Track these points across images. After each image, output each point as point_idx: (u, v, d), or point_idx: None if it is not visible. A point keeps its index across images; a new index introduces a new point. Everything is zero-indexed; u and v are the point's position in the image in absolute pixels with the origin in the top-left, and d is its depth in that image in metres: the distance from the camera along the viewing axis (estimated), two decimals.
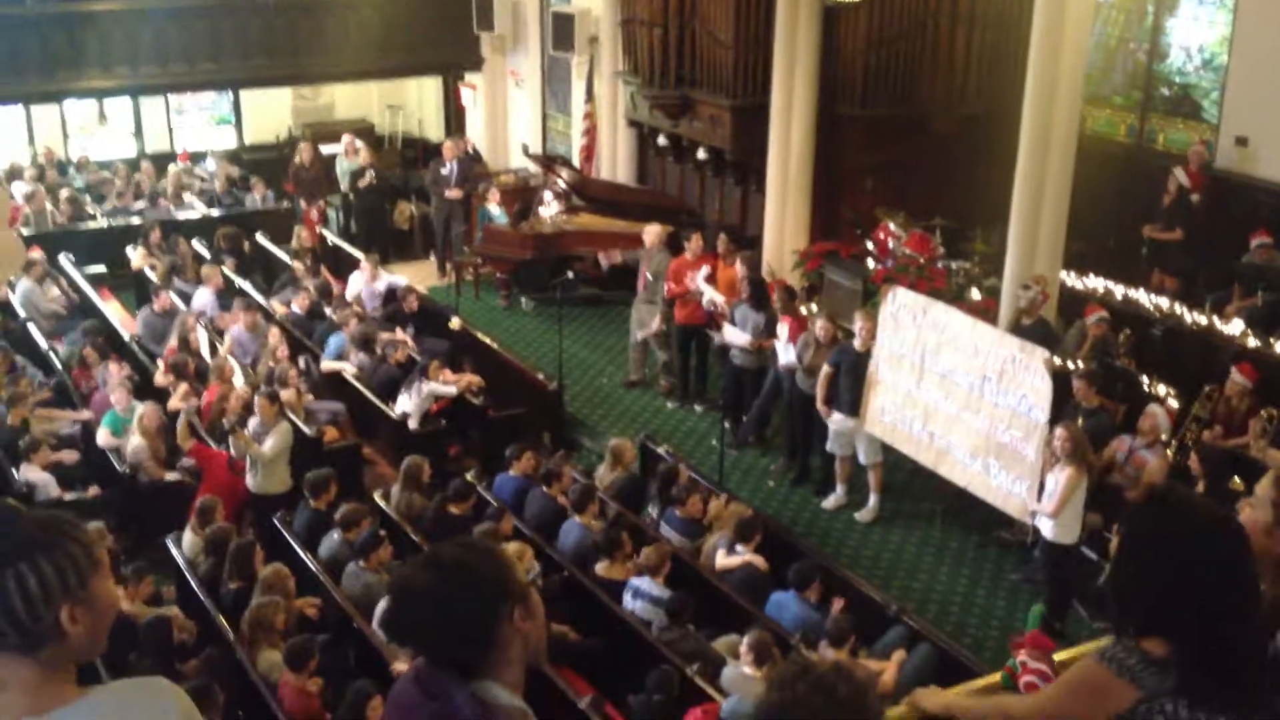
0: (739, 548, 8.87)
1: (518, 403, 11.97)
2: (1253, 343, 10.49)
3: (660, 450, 10.67)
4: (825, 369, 10.49)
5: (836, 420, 10.53)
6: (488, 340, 13.18)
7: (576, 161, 17.38)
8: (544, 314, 14.99)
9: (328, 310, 13.37)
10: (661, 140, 15.85)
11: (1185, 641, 2.71)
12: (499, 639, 2.40)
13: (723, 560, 8.88)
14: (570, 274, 13.85)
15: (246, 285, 14.32)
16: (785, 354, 11.06)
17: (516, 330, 14.97)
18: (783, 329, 11.11)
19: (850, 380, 10.36)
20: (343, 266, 15.40)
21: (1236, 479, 9.33)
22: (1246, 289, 11.27)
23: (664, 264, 12.73)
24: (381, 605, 7.78)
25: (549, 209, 15.60)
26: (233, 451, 10.08)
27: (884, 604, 8.51)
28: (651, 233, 13.12)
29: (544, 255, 15.18)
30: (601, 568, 8.77)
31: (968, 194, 13.27)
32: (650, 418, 12.68)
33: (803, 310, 11.98)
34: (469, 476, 9.83)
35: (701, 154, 15.14)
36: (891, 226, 12.58)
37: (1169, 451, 9.69)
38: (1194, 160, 12.32)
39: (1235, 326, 10.73)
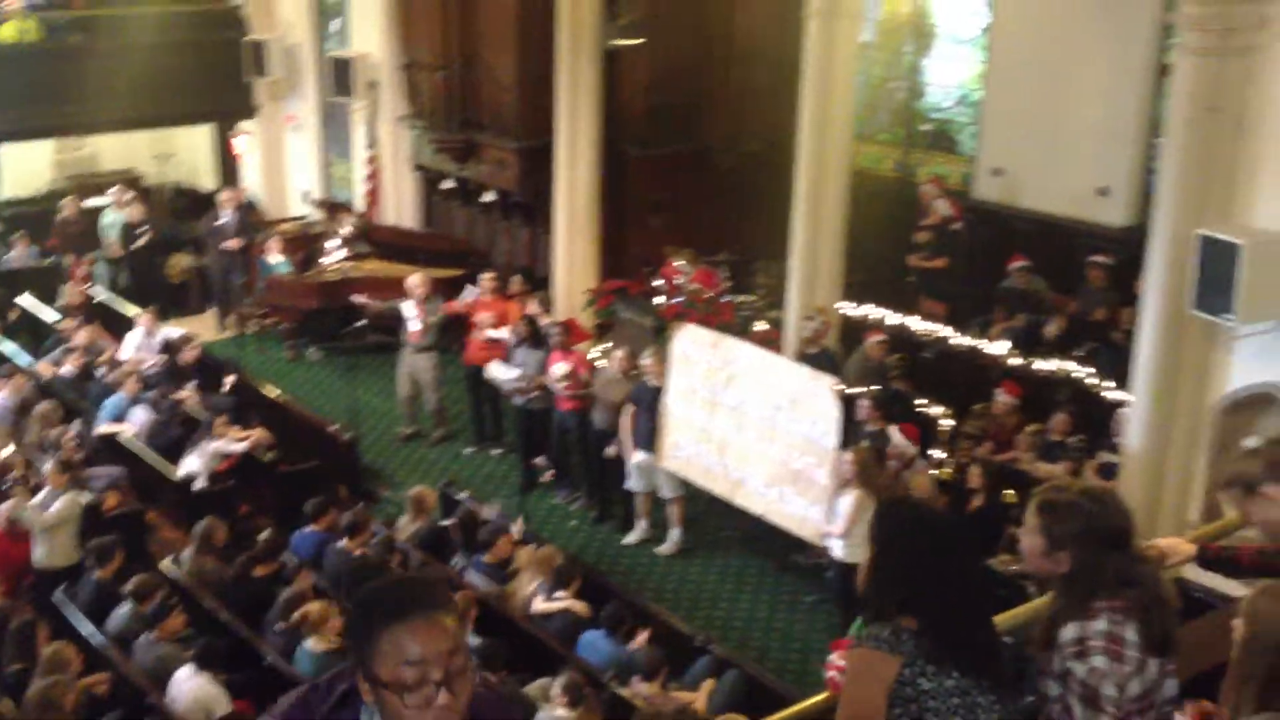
0: (559, 593, 8.87)
1: (311, 456, 11.70)
2: (1016, 362, 11.13)
3: (461, 497, 10.61)
4: (629, 407, 10.67)
5: (637, 457, 10.68)
6: (276, 393, 12.86)
7: (361, 207, 17.17)
8: (334, 364, 14.71)
9: (101, 370, 12.80)
10: (448, 183, 15.82)
11: (929, 615, 3.12)
12: None
13: (541, 605, 8.86)
14: (362, 321, 13.66)
15: (11, 347, 13.60)
16: (553, 383, 11.23)
17: (305, 382, 14.65)
18: (560, 367, 11.22)
19: (647, 417, 10.54)
20: (116, 324, 14.77)
21: (1009, 491, 9.89)
22: (1008, 311, 11.96)
23: (435, 310, 12.70)
24: (181, 674, 7.52)
25: (334, 256, 15.37)
26: (8, 513, 9.56)
27: (691, 635, 8.67)
28: (416, 280, 12.98)
29: (330, 303, 14.92)
30: None
31: (751, 228, 13.69)
32: (449, 464, 12.59)
33: (585, 347, 12.16)
34: (263, 536, 9.55)
35: (489, 196, 15.18)
36: (678, 263, 12.86)
37: (941, 468, 10.21)
38: (927, 195, 12.92)
39: (999, 347, 11.37)
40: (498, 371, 11.75)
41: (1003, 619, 4.47)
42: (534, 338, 11.61)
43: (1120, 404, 9.92)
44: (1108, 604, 3.28)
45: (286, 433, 11.91)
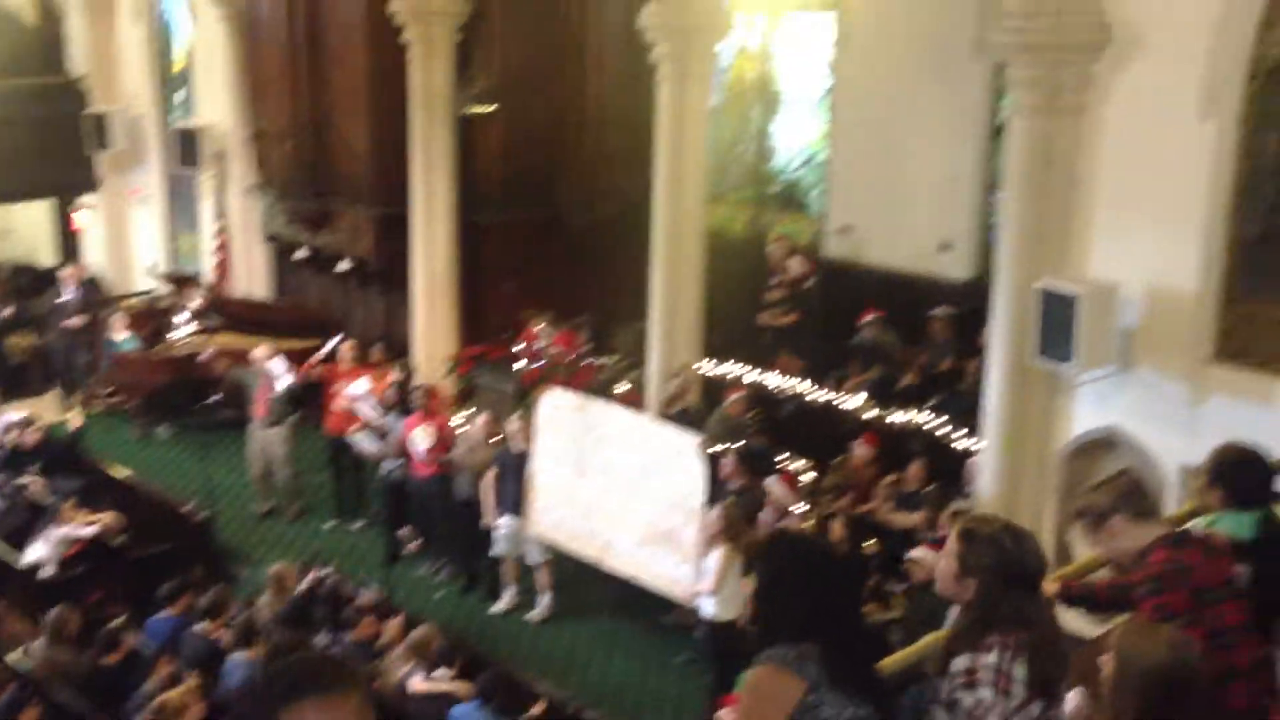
0: (441, 671, 8.70)
1: (164, 538, 11.34)
2: (872, 414, 11.40)
3: (324, 573, 10.38)
4: (491, 474, 10.61)
5: (503, 522, 10.62)
6: (125, 474, 12.44)
7: (210, 280, 16.81)
8: (185, 441, 14.30)
9: None
10: (301, 253, 15.58)
11: (828, 641, 3.20)
12: None
13: (422, 686, 8.67)
14: (215, 396, 13.34)
15: None
16: (415, 450, 11.15)
17: (156, 461, 14.20)
18: (422, 433, 11.14)
19: (513, 482, 10.50)
20: None
21: (870, 542, 10.10)
22: (862, 365, 12.26)
23: (287, 381, 12.51)
24: None
25: (182, 331, 15.00)
26: None
27: (563, 701, 8.61)
28: (264, 352, 12.75)
29: (180, 379, 14.54)
30: None
31: (609, 291, 13.80)
32: (309, 539, 12.31)
33: (447, 413, 12.09)
34: (115, 624, 9.20)
35: (344, 265, 15.01)
36: (538, 327, 12.89)
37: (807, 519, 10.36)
38: (774, 255, 13.20)
39: (855, 400, 11.64)
40: (362, 443, 11.60)
41: (885, 662, 4.58)
42: (403, 405, 11.51)
43: (971, 452, 10.22)
44: (1001, 639, 3.37)
45: (138, 515, 11.52)
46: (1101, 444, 9.35)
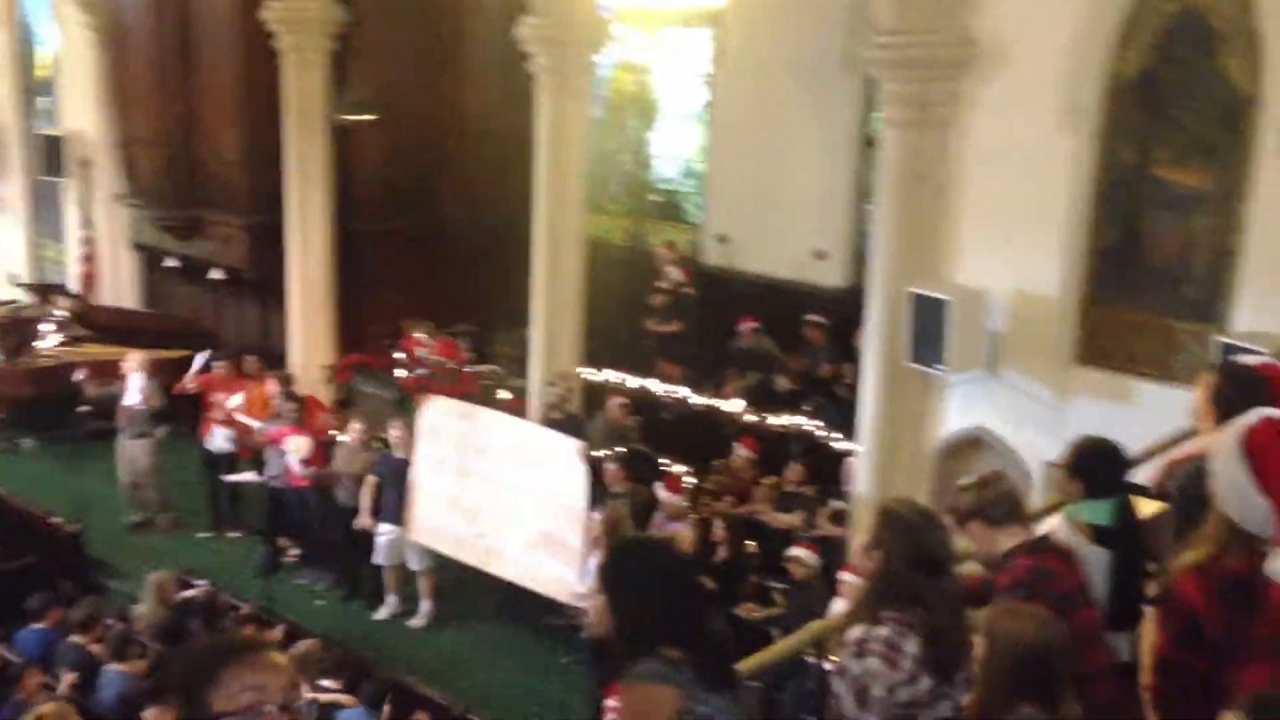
0: (326, 682, 8.61)
1: (29, 551, 11.01)
2: (751, 418, 11.64)
3: (199, 584, 10.22)
4: (370, 480, 10.55)
5: (384, 530, 10.57)
6: None
7: (76, 289, 16.37)
8: (53, 453, 13.88)
9: None
10: (171, 262, 15.29)
11: (692, 642, 3.22)
12: None
13: (309, 697, 8.59)
14: (84, 407, 13.00)
15: None
16: (290, 461, 11.07)
17: (22, 474, 13.71)
18: (299, 441, 11.05)
19: (393, 490, 10.46)
20: None
21: (751, 543, 10.32)
22: (740, 371, 12.50)
23: (156, 391, 12.27)
24: None
25: (48, 341, 14.59)
26: None
27: (450, 706, 8.61)
28: (134, 361, 12.46)
29: (46, 391, 14.13)
30: (151, 715, 8.23)
31: (489, 299, 13.83)
32: (184, 551, 12.06)
33: (326, 422, 12.00)
34: None
35: (216, 274, 14.77)
36: (419, 336, 12.86)
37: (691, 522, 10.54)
38: (660, 259, 13.39)
39: (734, 405, 11.88)
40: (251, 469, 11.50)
41: (759, 656, 4.73)
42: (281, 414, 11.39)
43: (848, 453, 10.51)
44: (897, 614, 3.53)
45: (3, 527, 11.18)
46: (971, 443, 9.70)
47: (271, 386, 11.93)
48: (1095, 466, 4.62)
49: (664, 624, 3.23)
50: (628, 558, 3.48)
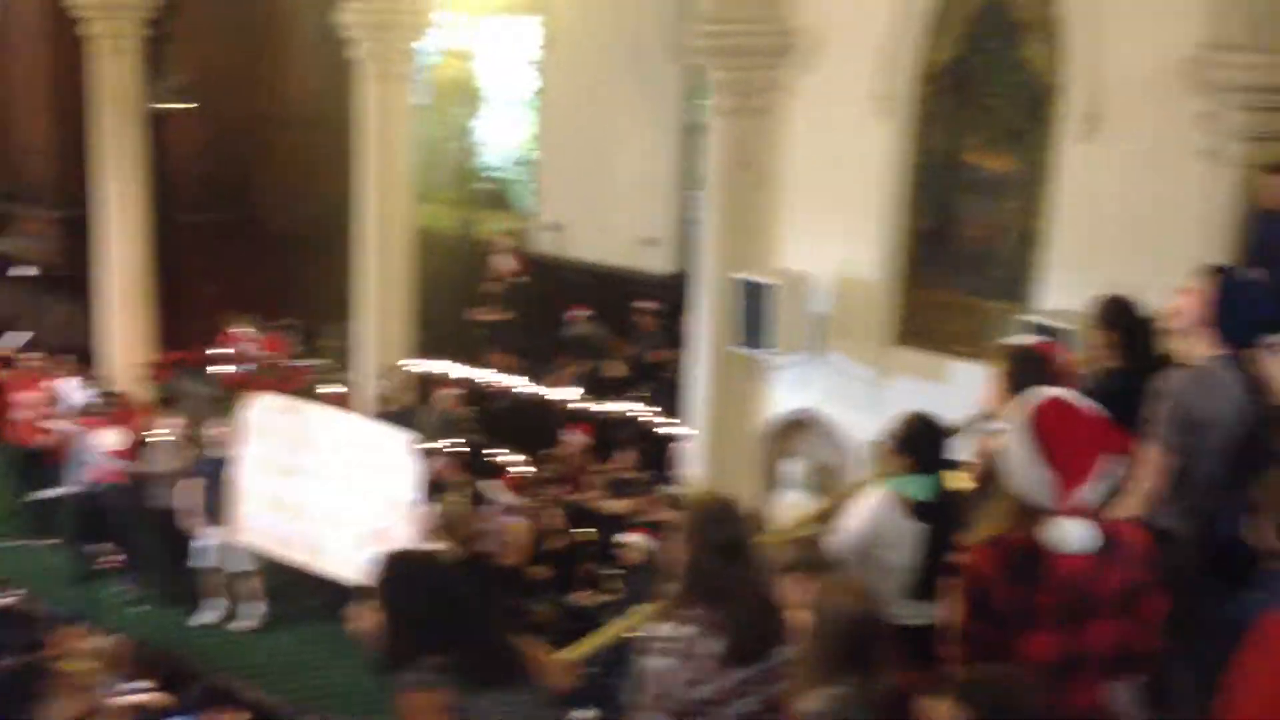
0: (136, 685, 8.32)
1: None
2: (583, 405, 11.68)
3: (13, 594, 9.78)
4: (196, 481, 10.24)
5: (206, 532, 10.27)
6: None
7: None
8: None
9: None
10: None
11: (458, 647, 3.31)
12: None
13: (120, 700, 8.26)
14: None
15: None
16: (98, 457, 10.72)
17: None
18: (110, 436, 10.71)
19: (214, 490, 10.17)
20: None
21: (586, 530, 10.36)
22: (573, 358, 12.52)
23: None
24: None
25: None
26: None
27: (280, 708, 8.43)
28: None
29: None
30: None
31: (317, 292, 13.53)
32: None
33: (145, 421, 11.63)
34: None
35: (26, 269, 14.13)
36: (241, 330, 12.52)
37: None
38: (499, 247, 13.36)
39: (567, 392, 11.89)
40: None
41: (584, 644, 4.77)
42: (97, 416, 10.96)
43: (679, 438, 10.63)
44: (705, 613, 3.54)
45: None
46: (798, 424, 9.92)
47: (71, 382, 11.50)
48: (920, 442, 4.78)
49: (428, 633, 3.32)
50: (392, 573, 3.49)
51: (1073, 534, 3.07)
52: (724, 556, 3.56)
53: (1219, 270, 4.53)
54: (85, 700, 7.64)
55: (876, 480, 5.76)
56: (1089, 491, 3.15)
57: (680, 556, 3.65)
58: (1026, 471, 3.17)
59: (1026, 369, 4.34)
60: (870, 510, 4.65)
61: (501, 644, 3.44)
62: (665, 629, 3.55)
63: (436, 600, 3.36)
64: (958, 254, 9.12)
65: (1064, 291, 8.15)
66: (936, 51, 8.96)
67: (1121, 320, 5.26)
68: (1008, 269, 8.86)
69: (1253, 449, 4.08)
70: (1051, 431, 3.18)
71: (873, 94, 9.04)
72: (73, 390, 11.60)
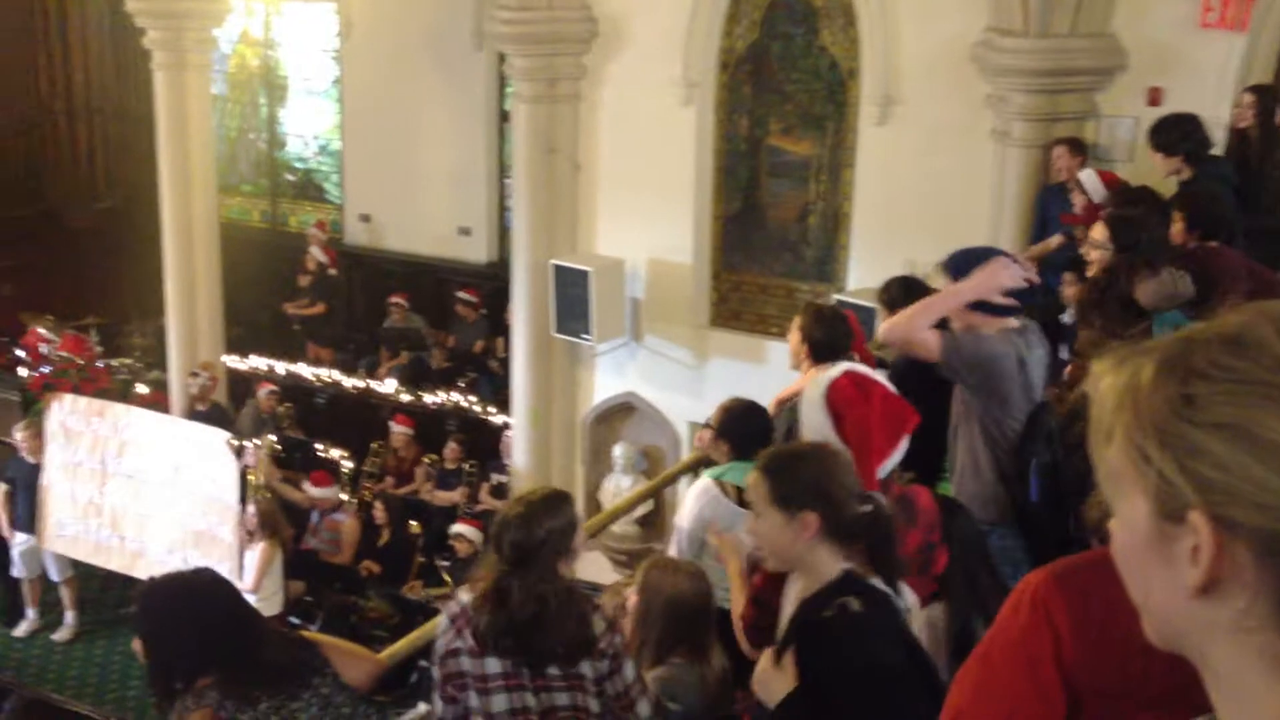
0: None
1: None
2: (406, 398, 11.59)
3: None
4: (3, 489, 9.83)
5: (20, 541, 9.88)
6: None
7: None
8: None
9: None
10: None
11: (223, 664, 3.27)
12: None
13: None
14: None
15: None
16: None
17: None
18: None
19: (26, 497, 9.79)
20: None
21: (414, 522, 10.34)
22: (392, 350, 12.42)
23: None
24: None
25: None
26: None
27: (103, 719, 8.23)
28: None
29: None
30: None
31: (118, 289, 13.09)
32: None
33: None
34: None
35: None
36: (41, 331, 12.00)
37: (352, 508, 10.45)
38: (314, 240, 13.06)
39: (389, 385, 11.79)
40: None
41: (400, 643, 4.80)
42: None
43: (505, 427, 10.68)
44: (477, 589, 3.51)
45: None
46: (621, 409, 10.09)
47: None
48: (742, 429, 4.75)
49: (194, 658, 3.28)
50: (146, 604, 3.46)
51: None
52: (512, 562, 3.46)
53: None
54: None
55: (692, 462, 5.95)
56: (884, 468, 3.36)
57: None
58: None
59: (827, 326, 4.44)
60: (695, 503, 4.70)
61: (277, 649, 3.43)
62: (458, 596, 3.57)
63: (195, 622, 3.31)
64: (767, 236, 9.42)
65: (868, 271, 8.52)
66: (734, 38, 9.21)
67: (908, 300, 5.33)
68: (816, 250, 9.21)
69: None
70: (847, 407, 3.35)
71: (675, 80, 9.23)
72: None
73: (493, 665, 3.44)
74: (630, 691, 3.50)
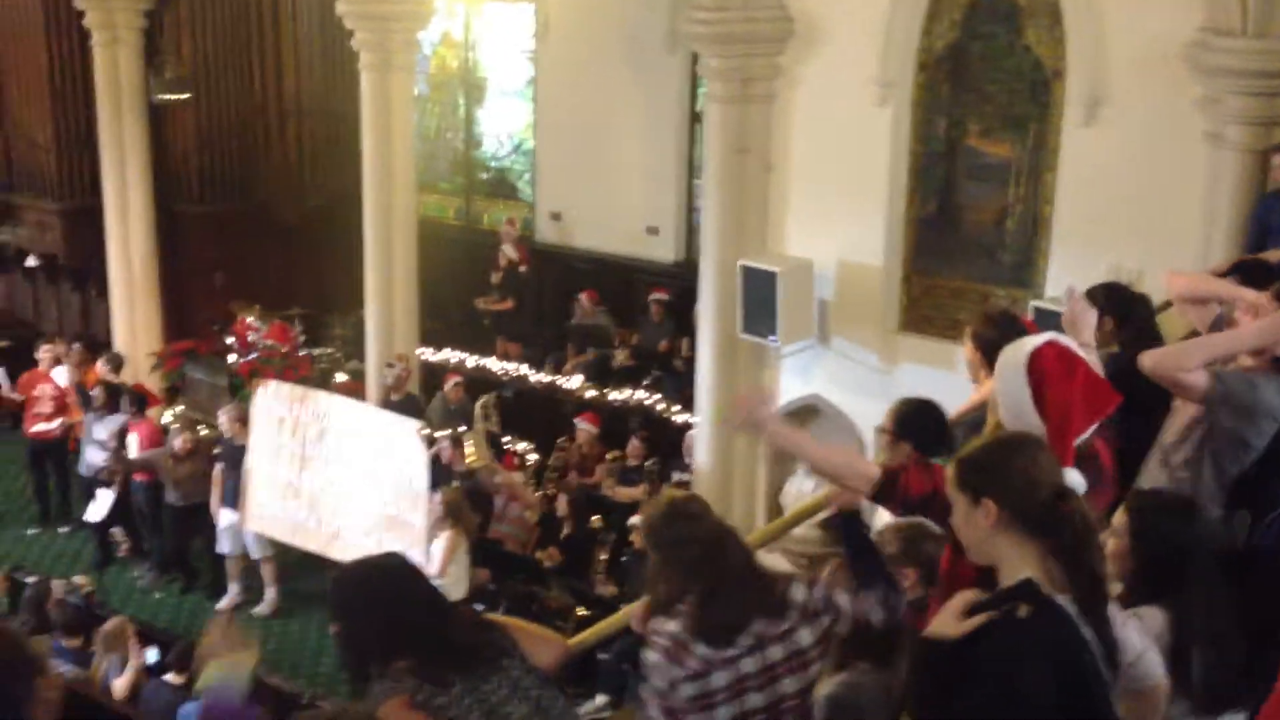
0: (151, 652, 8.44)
1: None
2: (591, 394, 11.76)
3: (30, 580, 9.89)
4: (217, 469, 10.37)
5: (225, 517, 10.38)
6: None
7: None
8: None
9: None
10: None
11: (420, 648, 3.26)
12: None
13: (119, 681, 8.35)
14: None
15: None
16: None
17: None
18: (133, 438, 10.82)
19: (234, 475, 10.28)
20: None
21: (596, 517, 10.46)
22: (578, 347, 12.60)
23: None
24: None
25: None
26: None
27: (297, 694, 8.54)
28: None
29: None
30: None
31: (321, 281, 13.62)
32: (11, 547, 11.64)
33: (157, 412, 11.74)
34: None
35: (31, 261, 14.21)
36: (249, 320, 12.59)
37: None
38: (505, 237, 13.38)
39: (574, 381, 11.97)
40: (91, 455, 11.14)
41: (587, 632, 4.83)
42: (111, 405, 11.07)
43: (687, 426, 10.71)
44: (681, 608, 3.52)
45: None
46: (805, 412, 9.99)
47: (101, 374, 11.62)
48: (919, 425, 4.66)
49: (387, 641, 3.28)
50: (339, 590, 3.48)
51: (1073, 482, 2.99)
52: (697, 553, 3.53)
53: None
54: None
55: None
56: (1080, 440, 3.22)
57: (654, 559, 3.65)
58: (1017, 410, 3.19)
59: (1002, 328, 4.23)
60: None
61: (467, 632, 3.40)
62: (657, 624, 3.56)
63: (386, 607, 3.31)
64: (962, 240, 9.20)
65: (1069, 277, 8.21)
66: (934, 38, 9.03)
67: (1113, 306, 5.14)
68: (1014, 255, 8.96)
69: None
70: (1047, 377, 3.21)
71: (872, 80, 9.10)
72: (65, 376, 11.79)
73: (717, 680, 3.49)
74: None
